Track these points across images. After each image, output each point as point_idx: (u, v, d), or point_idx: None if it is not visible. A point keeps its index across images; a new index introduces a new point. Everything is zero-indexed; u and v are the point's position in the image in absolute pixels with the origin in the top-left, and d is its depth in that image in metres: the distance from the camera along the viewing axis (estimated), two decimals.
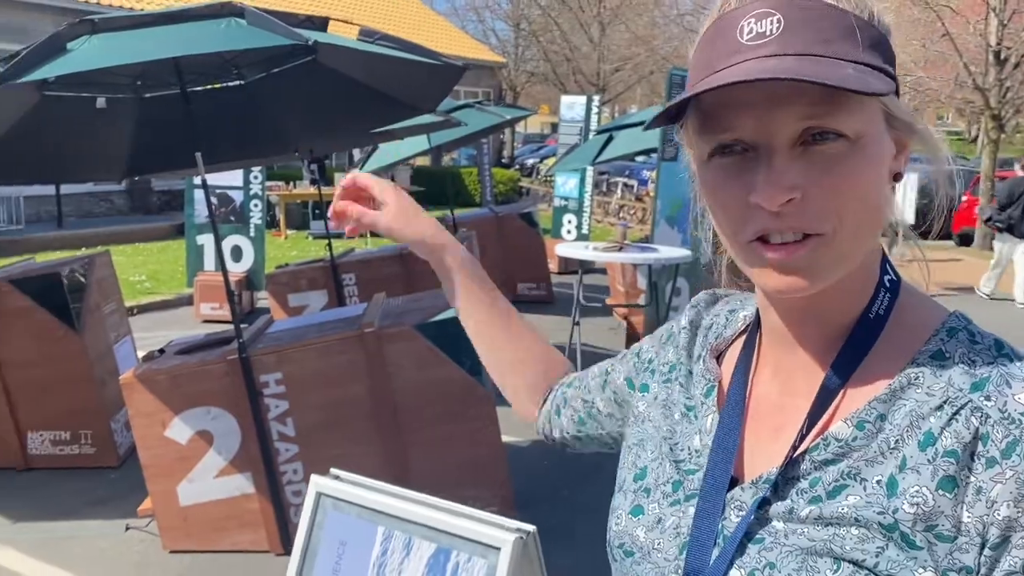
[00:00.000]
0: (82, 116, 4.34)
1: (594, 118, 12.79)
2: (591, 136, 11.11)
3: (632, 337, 7.28)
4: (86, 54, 3.28)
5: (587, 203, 12.18)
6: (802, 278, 0.70)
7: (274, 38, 3.36)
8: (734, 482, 0.78)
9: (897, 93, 0.73)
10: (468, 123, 7.20)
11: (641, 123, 6.73)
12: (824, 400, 0.75)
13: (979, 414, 0.67)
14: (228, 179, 9.09)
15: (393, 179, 16.10)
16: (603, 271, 10.01)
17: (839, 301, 0.76)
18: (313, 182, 12.66)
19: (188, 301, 9.41)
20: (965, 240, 16.51)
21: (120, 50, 3.36)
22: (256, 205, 9.39)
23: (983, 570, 0.64)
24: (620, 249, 6.14)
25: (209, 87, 4.70)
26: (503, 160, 28.41)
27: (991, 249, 11.55)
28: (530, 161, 28.19)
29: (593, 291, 9.51)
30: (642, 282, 7.49)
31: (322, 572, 2.05)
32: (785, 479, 0.74)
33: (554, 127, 27.04)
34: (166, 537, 4.05)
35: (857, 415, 0.72)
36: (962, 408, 0.68)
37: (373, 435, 4.00)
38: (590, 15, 31.51)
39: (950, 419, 0.68)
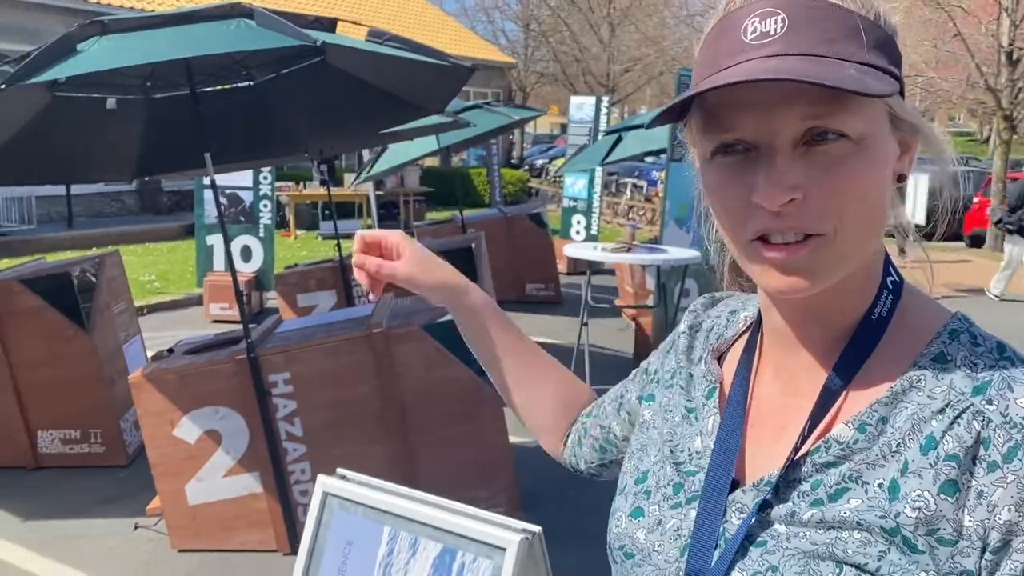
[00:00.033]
0: (92, 117, 4.36)
1: (603, 119, 12.78)
2: (600, 137, 11.11)
3: (641, 338, 7.27)
4: (96, 55, 3.29)
5: (596, 204, 12.17)
6: (803, 278, 0.70)
7: (283, 39, 3.37)
8: (735, 484, 0.78)
9: (902, 94, 0.72)
10: (477, 124, 7.20)
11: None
12: (825, 402, 0.75)
13: (981, 418, 0.66)
14: (238, 179, 9.13)
15: (403, 180, 16.15)
16: (612, 272, 10.00)
17: (841, 302, 0.75)
18: (323, 183, 12.70)
19: (198, 301, 9.45)
20: (976, 241, 16.44)
21: (130, 51, 3.38)
22: (266, 205, 9.42)
23: (984, 574, 0.64)
24: (628, 250, 6.13)
25: (219, 88, 4.72)
26: (512, 161, 28.42)
27: (1002, 251, 11.49)
28: (539, 162, 28.20)
29: (602, 292, 9.50)
30: (651, 283, 7.47)
31: (328, 572, 2.05)
32: (786, 481, 0.74)
33: (564, 128, 26.99)
34: (175, 536, 4.07)
35: (859, 418, 0.72)
36: (964, 412, 0.67)
37: (381, 435, 4.01)
38: (600, 16, 31.50)
39: (952, 423, 0.67)
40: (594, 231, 12.07)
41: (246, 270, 9.20)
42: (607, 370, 6.66)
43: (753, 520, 0.74)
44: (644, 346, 7.12)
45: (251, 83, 4.73)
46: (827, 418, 0.74)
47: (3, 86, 2.99)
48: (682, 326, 0.97)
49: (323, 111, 4.90)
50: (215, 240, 9.22)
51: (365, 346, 3.96)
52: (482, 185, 19.34)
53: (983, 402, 0.67)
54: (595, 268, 7.25)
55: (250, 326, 3.99)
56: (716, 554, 0.75)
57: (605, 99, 13.30)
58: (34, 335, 4.98)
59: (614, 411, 1.04)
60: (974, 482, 0.65)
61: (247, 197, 9.34)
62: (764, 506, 0.74)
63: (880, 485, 0.69)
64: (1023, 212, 10.36)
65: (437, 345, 3.95)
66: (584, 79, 31.86)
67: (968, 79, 16.69)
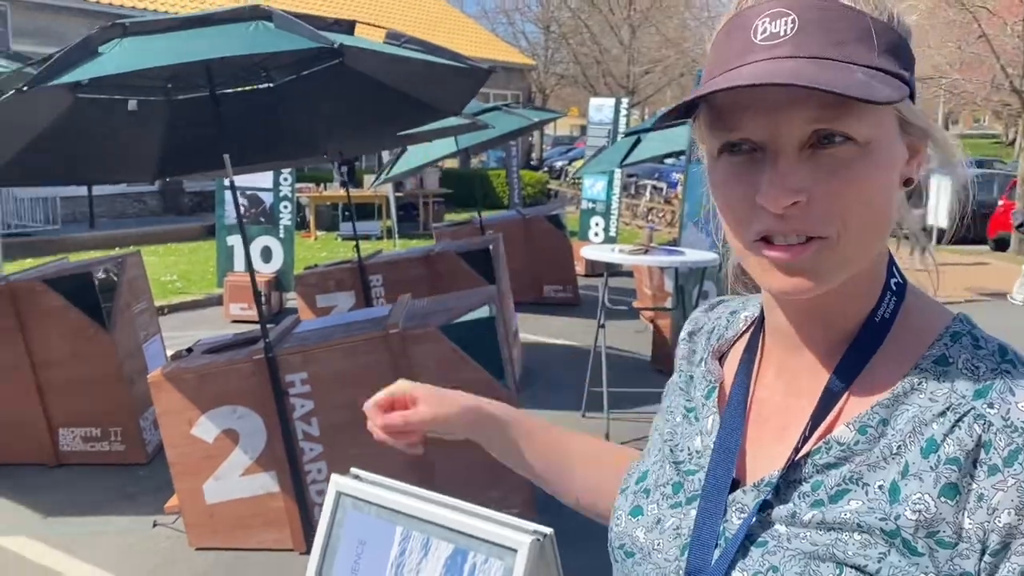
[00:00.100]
0: (114, 118, 4.41)
1: (622, 121, 12.76)
2: (619, 138, 11.09)
3: (659, 340, 7.25)
4: (117, 57, 3.33)
5: (615, 205, 12.15)
6: (806, 280, 0.70)
7: (301, 41, 3.39)
8: (736, 484, 0.78)
9: (913, 98, 0.72)
10: (496, 126, 7.21)
11: (669, 126, 6.69)
12: (827, 403, 0.75)
13: (982, 421, 0.66)
14: (258, 180, 9.19)
15: (422, 182, 16.19)
16: (630, 274, 9.98)
17: (845, 304, 0.75)
18: (343, 184, 12.76)
19: (218, 301, 9.52)
20: (1001, 245, 16.25)
21: (150, 53, 3.41)
22: (286, 206, 9.48)
23: (983, 575, 0.64)
24: (646, 252, 6.11)
25: (239, 90, 4.76)
26: (532, 162, 28.41)
27: None
28: (559, 163, 28.18)
29: (620, 294, 9.48)
30: (669, 285, 7.45)
31: (341, 571, 2.06)
32: (787, 482, 0.74)
33: (583, 129, 26.95)
34: (192, 534, 4.10)
35: (860, 419, 0.72)
36: (965, 415, 0.67)
37: None
38: (620, 17, 31.44)
39: (953, 426, 0.67)
40: (612, 233, 12.05)
41: (266, 271, 9.26)
42: (624, 372, 6.65)
43: (754, 520, 0.74)
44: (662, 348, 7.10)
45: (271, 85, 4.76)
46: (828, 419, 0.74)
47: (25, 88, 3.03)
48: (682, 334, 0.97)
49: (341, 113, 4.92)
50: (235, 241, 9.28)
51: (382, 346, 3.97)
52: (501, 187, 19.35)
53: (984, 405, 0.67)
54: (613, 270, 7.24)
55: (268, 326, 4.02)
56: (716, 553, 0.75)
57: (624, 101, 13.26)
58: (56, 334, 5.05)
59: (647, 451, 1.00)
60: (974, 485, 0.65)
61: (267, 198, 9.40)
62: (765, 506, 0.74)
63: (880, 487, 0.69)
64: None
65: (453, 346, 3.96)
66: (604, 81, 31.82)
67: (993, 81, 16.52)
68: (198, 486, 4.04)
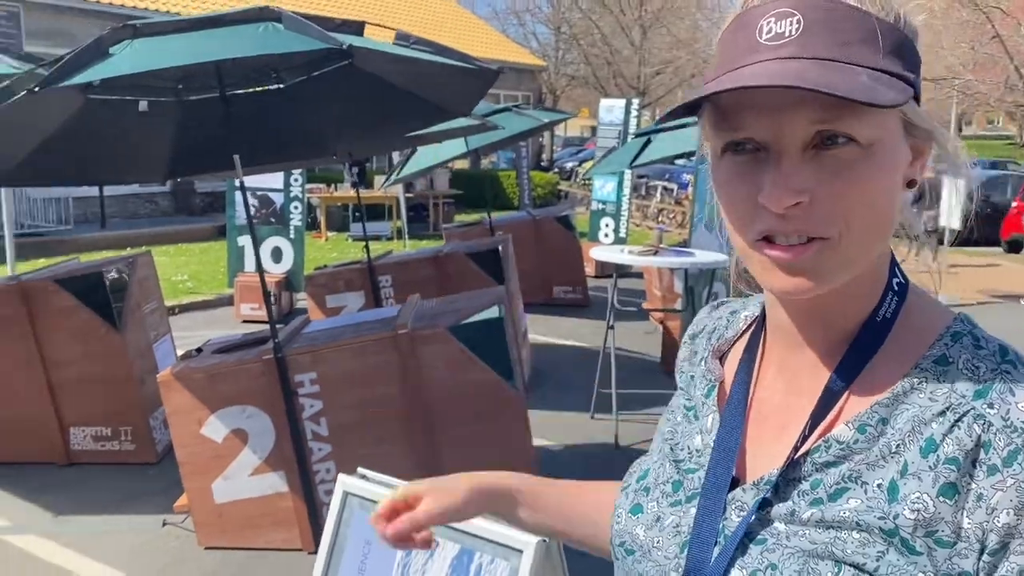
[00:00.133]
0: (125, 119, 4.43)
1: (633, 121, 12.74)
2: (629, 139, 11.07)
3: (668, 342, 7.23)
4: (128, 58, 3.35)
5: (625, 206, 12.13)
6: (806, 280, 0.70)
7: (310, 42, 3.40)
8: (736, 482, 0.78)
9: (918, 100, 0.72)
10: (506, 127, 7.22)
11: (681, 126, 6.67)
12: (827, 402, 0.75)
13: (982, 422, 0.66)
14: (269, 181, 9.23)
15: (432, 182, 16.21)
16: (640, 275, 9.97)
17: (846, 304, 0.76)
18: (353, 185, 12.78)
19: (229, 301, 9.55)
20: (1015, 247, 16.14)
21: (160, 54, 3.43)
22: (296, 207, 9.51)
23: (981, 575, 0.65)
24: (655, 253, 6.10)
25: (249, 91, 4.77)
26: (542, 163, 28.40)
27: None
28: (569, 164, 28.17)
29: (630, 295, 9.47)
30: (679, 286, 7.43)
31: (348, 571, 2.06)
32: (786, 480, 0.74)
33: (594, 131, 26.93)
34: (201, 533, 4.11)
35: (859, 418, 0.72)
36: (964, 415, 0.68)
37: (405, 436, 4.02)
38: (631, 18, 31.41)
39: (952, 426, 0.68)
40: (623, 234, 12.03)
41: (277, 271, 9.29)
42: (634, 374, 6.64)
43: (753, 518, 0.74)
44: (671, 349, 7.08)
45: (281, 86, 4.77)
46: (828, 418, 0.74)
47: (37, 89, 3.04)
48: (685, 336, 0.98)
49: (351, 114, 4.93)
50: (246, 241, 9.31)
51: (390, 347, 3.98)
52: (511, 188, 19.35)
53: (984, 406, 0.67)
54: (623, 271, 7.22)
55: (278, 326, 4.03)
56: (716, 551, 0.75)
57: (635, 101, 13.24)
58: (67, 333, 5.07)
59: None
60: (974, 485, 0.65)
61: (278, 199, 9.44)
62: (764, 504, 0.74)
63: (879, 486, 0.69)
64: None
65: (462, 347, 3.96)
66: (615, 82, 31.78)
67: (1007, 81, 16.39)
68: (207, 485, 4.05)
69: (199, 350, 4.33)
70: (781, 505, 0.73)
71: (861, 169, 0.68)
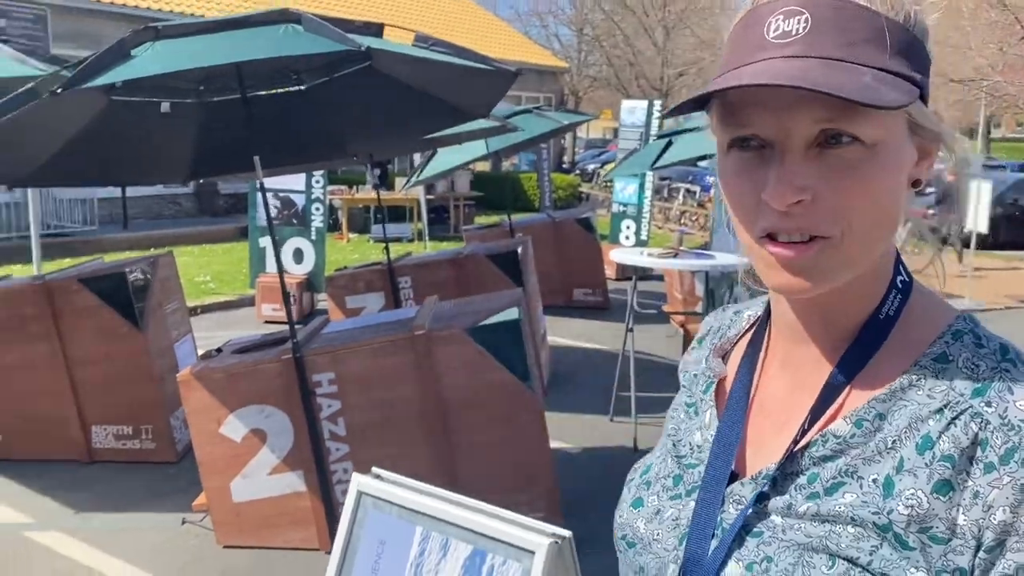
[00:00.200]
0: (147, 120, 4.48)
1: (654, 123, 12.70)
2: (651, 141, 11.04)
3: (689, 345, 7.19)
4: (149, 60, 3.38)
5: (646, 209, 12.10)
6: (807, 279, 0.71)
7: (329, 44, 3.42)
8: (735, 476, 0.79)
9: (925, 100, 0.72)
10: (526, 128, 7.22)
11: (699, 128, 6.65)
12: (827, 397, 0.75)
13: (979, 419, 0.67)
14: (290, 183, 9.29)
15: (453, 184, 16.24)
16: (661, 278, 9.93)
17: (849, 302, 0.76)
18: (375, 187, 12.85)
19: (250, 302, 9.62)
20: None
21: (182, 56, 3.46)
22: (318, 209, 9.56)
23: (977, 572, 0.65)
24: (676, 255, 6.08)
25: (270, 92, 4.80)
26: (564, 165, 28.38)
27: None
28: (591, 166, 28.12)
29: (651, 298, 9.44)
30: (700, 289, 7.40)
31: (361, 570, 2.07)
32: (784, 474, 0.75)
33: (616, 132, 26.86)
34: (220, 532, 4.14)
35: (856, 413, 0.73)
36: (962, 413, 0.68)
37: (422, 436, 4.03)
38: (654, 20, 31.33)
39: (949, 423, 0.68)
40: (644, 236, 11.99)
41: (298, 272, 9.34)
42: (654, 377, 6.61)
43: (750, 511, 0.75)
44: None
45: (301, 87, 4.80)
46: (828, 413, 0.75)
47: (60, 90, 3.08)
48: (694, 341, 1.00)
49: (370, 115, 4.96)
50: (268, 242, 9.38)
51: (408, 348, 3.99)
52: (532, 190, 19.33)
53: (982, 404, 0.67)
54: (645, 274, 7.20)
55: (297, 327, 4.05)
56: (713, 544, 0.76)
57: (657, 103, 13.21)
58: (90, 332, 5.13)
59: None
60: (970, 482, 0.66)
61: (299, 200, 9.49)
62: (762, 498, 0.75)
63: (875, 481, 0.69)
64: None
65: (479, 348, 3.97)
66: (637, 83, 31.71)
67: None
68: (226, 484, 4.08)
69: (219, 350, 4.36)
70: (778, 499, 0.74)
71: (865, 169, 0.68)
